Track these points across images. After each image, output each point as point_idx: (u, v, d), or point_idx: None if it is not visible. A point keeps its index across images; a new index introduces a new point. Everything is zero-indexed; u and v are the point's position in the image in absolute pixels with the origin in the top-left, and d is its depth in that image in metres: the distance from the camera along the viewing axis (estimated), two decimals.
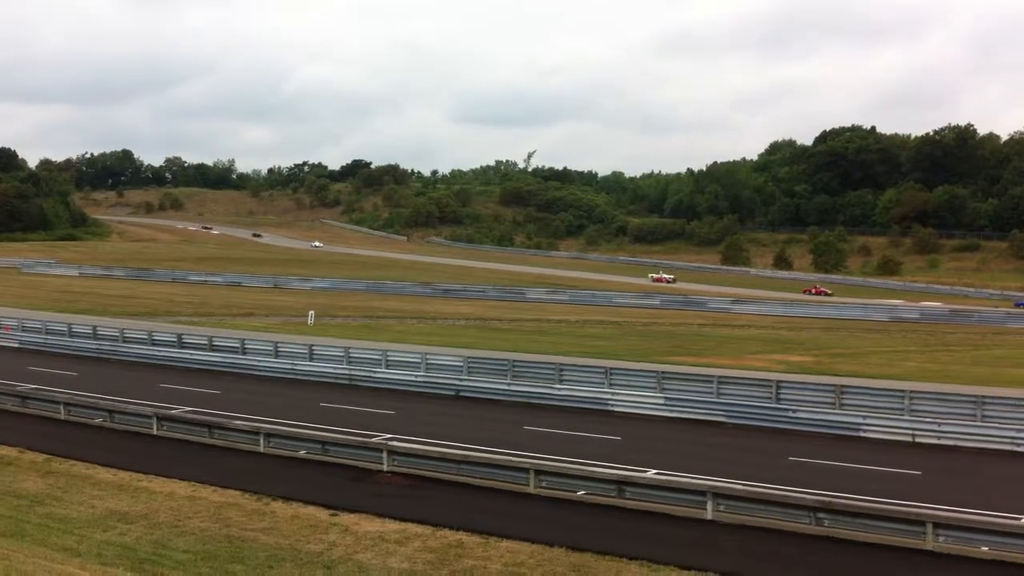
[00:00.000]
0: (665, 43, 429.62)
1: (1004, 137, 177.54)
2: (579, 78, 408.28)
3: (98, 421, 34.05)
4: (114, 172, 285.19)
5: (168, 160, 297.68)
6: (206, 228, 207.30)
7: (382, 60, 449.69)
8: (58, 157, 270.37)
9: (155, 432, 32.32)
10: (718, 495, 23.04)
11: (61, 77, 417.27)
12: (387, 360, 44.45)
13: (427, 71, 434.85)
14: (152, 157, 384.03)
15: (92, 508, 23.97)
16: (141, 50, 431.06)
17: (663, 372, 39.58)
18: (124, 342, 52.24)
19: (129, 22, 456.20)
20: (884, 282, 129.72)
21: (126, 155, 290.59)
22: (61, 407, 35.20)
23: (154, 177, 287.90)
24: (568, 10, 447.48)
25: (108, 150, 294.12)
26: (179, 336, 51.89)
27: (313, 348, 47.25)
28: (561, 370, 40.93)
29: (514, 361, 42.84)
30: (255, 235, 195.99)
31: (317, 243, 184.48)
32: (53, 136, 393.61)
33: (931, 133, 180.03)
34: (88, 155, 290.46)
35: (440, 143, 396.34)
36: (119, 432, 32.93)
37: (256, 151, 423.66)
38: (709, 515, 22.85)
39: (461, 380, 41.24)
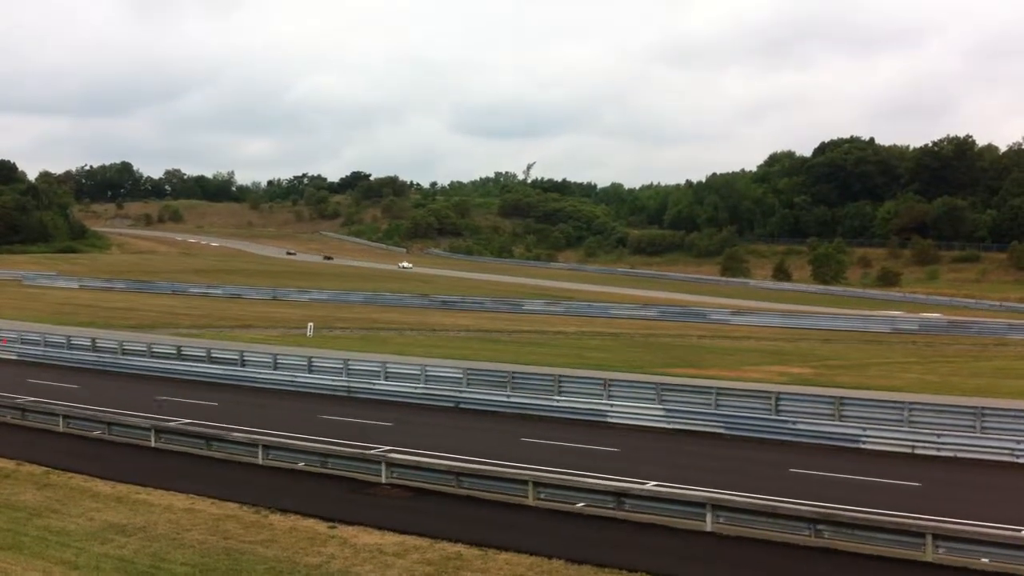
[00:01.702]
0: (665, 53, 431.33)
1: (1003, 148, 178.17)
2: (579, 89, 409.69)
3: (96, 433, 34.01)
4: (113, 184, 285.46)
5: (167, 172, 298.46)
6: (328, 257, 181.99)
7: (383, 71, 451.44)
8: (57, 169, 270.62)
9: (153, 444, 32.29)
10: (717, 507, 23.01)
11: (61, 89, 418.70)
12: (386, 372, 44.43)
13: (427, 82, 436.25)
14: (151, 169, 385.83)
15: (90, 521, 23.93)
16: (141, 62, 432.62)
17: (662, 384, 39.52)
18: (123, 354, 52.21)
19: (130, 34, 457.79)
20: (883, 293, 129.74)
21: (125, 167, 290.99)
22: (60, 419, 35.17)
23: (153, 189, 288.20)
24: (569, 20, 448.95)
25: (108, 162, 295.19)
26: (178, 348, 51.88)
27: (312, 360, 47.22)
28: (560, 382, 40.88)
29: (513, 373, 42.79)
30: (326, 257, 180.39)
31: (406, 264, 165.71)
32: (53, 148, 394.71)
33: (930, 144, 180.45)
34: (87, 167, 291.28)
35: (440, 154, 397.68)
36: (117, 444, 32.91)
37: (256, 163, 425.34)
38: (708, 527, 22.82)
39: (460, 392, 41.20)
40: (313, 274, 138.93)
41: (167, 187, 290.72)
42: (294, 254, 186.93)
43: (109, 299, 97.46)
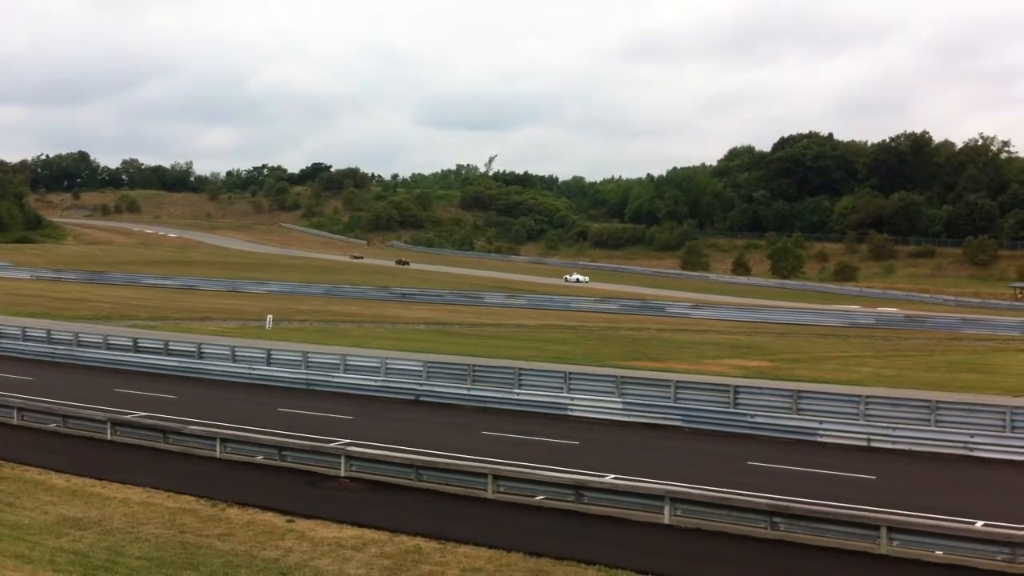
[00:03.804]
0: (630, 48, 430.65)
1: (959, 144, 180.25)
2: (543, 83, 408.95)
3: (52, 426, 33.60)
4: (70, 174, 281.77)
5: (125, 162, 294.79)
6: (356, 257, 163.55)
7: (346, 62, 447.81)
8: (12, 158, 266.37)
9: (109, 437, 31.93)
10: (675, 499, 23.14)
11: (17, 77, 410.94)
12: (346, 364, 44.25)
13: (391, 74, 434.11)
14: (109, 159, 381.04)
15: (45, 514, 23.64)
16: (101, 50, 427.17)
17: (622, 377, 39.68)
18: (79, 346, 51.60)
19: (88, 20, 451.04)
20: (840, 288, 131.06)
21: (82, 157, 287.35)
22: (14, 412, 34.63)
23: (110, 179, 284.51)
24: (534, 14, 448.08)
25: (64, 151, 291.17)
26: (135, 340, 51.33)
27: (271, 352, 46.95)
28: (520, 374, 40.92)
29: (473, 366, 42.79)
30: (400, 262, 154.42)
31: (580, 277, 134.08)
32: (7, 137, 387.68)
33: (887, 140, 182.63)
34: (43, 156, 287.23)
35: (401, 146, 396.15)
36: (73, 437, 32.50)
37: (215, 153, 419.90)
38: (666, 519, 22.94)
39: (420, 384, 41.13)
40: (272, 266, 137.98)
41: (124, 177, 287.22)
42: (361, 258, 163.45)
43: (62, 290, 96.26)
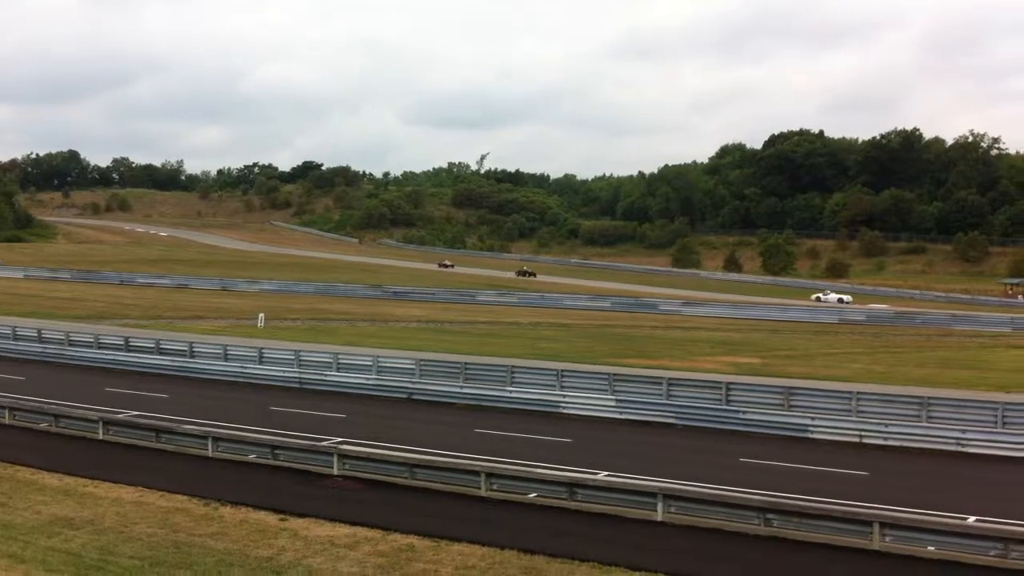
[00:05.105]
0: (622, 46, 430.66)
1: (949, 141, 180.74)
2: (535, 81, 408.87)
3: (43, 426, 33.55)
4: (60, 173, 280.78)
5: (115, 161, 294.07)
6: (445, 265, 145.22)
7: (338, 61, 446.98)
8: (3, 157, 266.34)
9: (101, 437, 31.89)
10: (668, 496, 23.17)
11: (6, 74, 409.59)
12: (338, 363, 44.18)
13: (383, 72, 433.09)
14: (99, 158, 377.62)
15: (37, 514, 23.60)
16: (91, 48, 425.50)
17: (614, 374, 39.66)
18: (70, 345, 51.47)
19: (79, 18, 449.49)
20: (832, 284, 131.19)
21: (73, 155, 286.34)
22: (5, 412, 34.59)
23: (101, 178, 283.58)
24: (525, 12, 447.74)
25: (54, 150, 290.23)
26: (126, 339, 51.20)
27: (263, 351, 46.86)
28: (513, 372, 40.83)
29: (466, 364, 42.72)
30: (523, 273, 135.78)
31: (841, 296, 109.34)
32: None
33: (878, 137, 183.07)
34: (34, 155, 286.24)
35: (393, 144, 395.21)
36: (65, 437, 32.45)
37: (207, 152, 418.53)
38: (659, 516, 22.97)
39: (413, 383, 41.11)
40: (267, 266, 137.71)
41: (115, 176, 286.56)
42: (451, 266, 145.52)
43: (54, 289, 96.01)
